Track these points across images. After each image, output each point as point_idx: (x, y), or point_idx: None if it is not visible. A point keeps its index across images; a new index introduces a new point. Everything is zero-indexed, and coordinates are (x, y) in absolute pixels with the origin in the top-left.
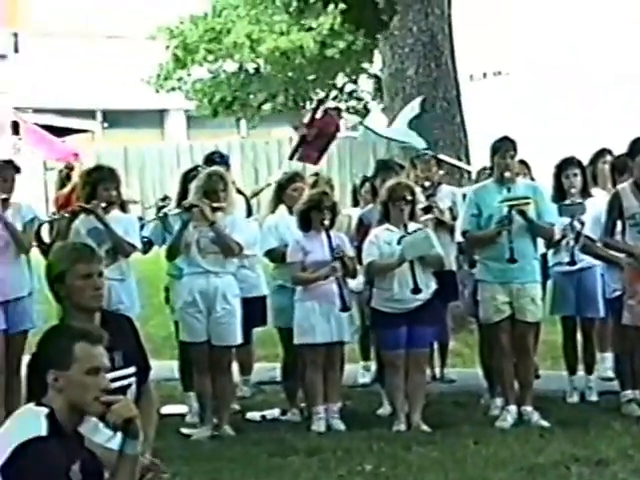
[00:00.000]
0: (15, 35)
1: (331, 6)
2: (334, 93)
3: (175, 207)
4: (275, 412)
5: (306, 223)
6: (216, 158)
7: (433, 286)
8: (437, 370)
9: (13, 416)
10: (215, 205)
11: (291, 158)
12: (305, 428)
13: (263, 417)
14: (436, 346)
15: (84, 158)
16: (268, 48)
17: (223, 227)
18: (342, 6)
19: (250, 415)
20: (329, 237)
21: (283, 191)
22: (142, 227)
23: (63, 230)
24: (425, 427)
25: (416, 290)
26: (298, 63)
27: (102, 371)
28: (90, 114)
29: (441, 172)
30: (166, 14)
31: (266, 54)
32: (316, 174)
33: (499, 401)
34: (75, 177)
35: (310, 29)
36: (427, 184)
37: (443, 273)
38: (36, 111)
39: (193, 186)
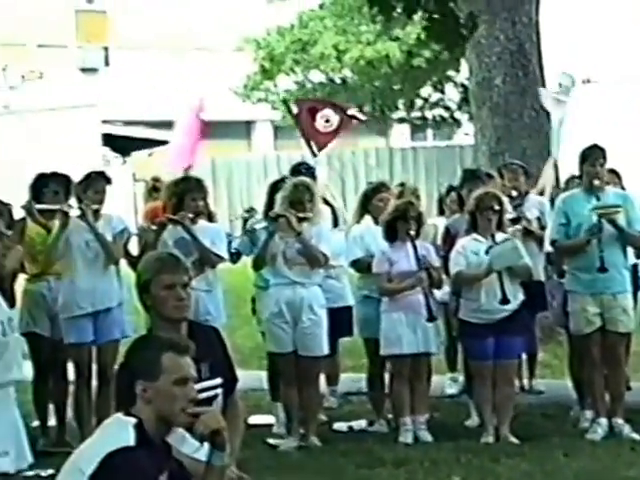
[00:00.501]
0: (105, 49)
1: (417, 15)
2: (419, 102)
3: (262, 218)
4: (362, 423)
5: (392, 233)
6: (302, 169)
7: (521, 297)
8: (525, 381)
9: (102, 426)
10: (301, 215)
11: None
12: (392, 439)
13: (350, 428)
14: (524, 357)
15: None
16: (353, 57)
17: (309, 237)
18: (424, 22)
19: (337, 426)
20: (415, 247)
21: (369, 201)
22: (230, 242)
23: (151, 242)
24: (513, 439)
25: (504, 301)
26: (384, 73)
27: (190, 382)
28: None
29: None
30: (253, 26)
31: (352, 64)
32: (402, 184)
33: (589, 413)
34: (162, 188)
35: (396, 39)
36: (514, 194)
37: (531, 283)
38: (126, 123)
39: (279, 196)
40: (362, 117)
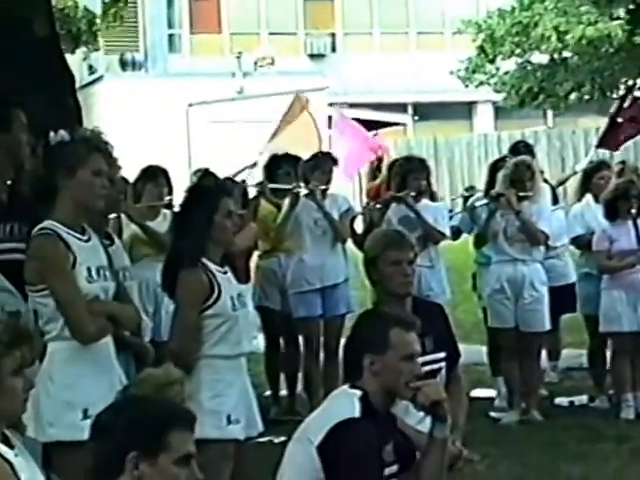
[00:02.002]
0: (332, 35)
1: None
2: None
3: (482, 197)
4: (583, 398)
5: (613, 212)
6: (521, 148)
7: None
8: None
9: (329, 397)
10: (521, 194)
11: (598, 146)
12: (614, 415)
13: (571, 403)
14: None
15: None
16: (575, 37)
17: (529, 215)
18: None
19: (558, 401)
20: (636, 226)
21: (589, 180)
22: (451, 218)
23: (376, 220)
24: None
25: None
26: (605, 52)
27: (415, 357)
28: (402, 107)
29: None
30: (473, 9)
31: (573, 44)
32: (622, 162)
33: None
34: (384, 169)
35: (618, 18)
36: None
37: None
38: (351, 106)
39: (500, 175)
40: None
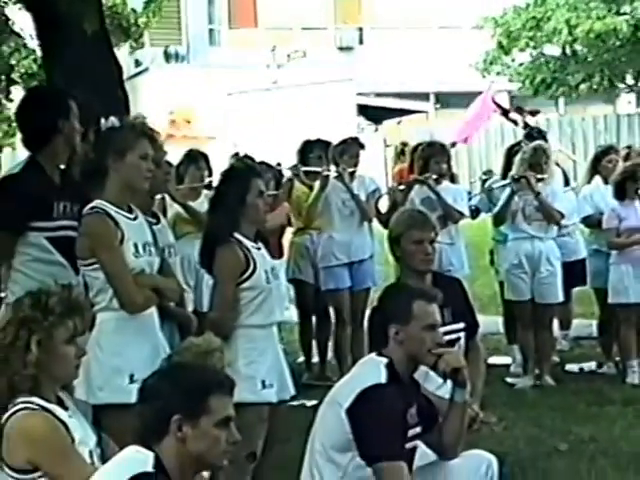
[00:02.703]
0: (360, 29)
1: None
2: None
3: (500, 179)
4: (592, 365)
5: (621, 192)
6: (534, 133)
7: None
8: None
9: (358, 364)
10: (539, 176)
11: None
12: (620, 380)
13: (581, 369)
14: None
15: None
16: (584, 31)
17: (545, 196)
18: None
19: (569, 367)
20: None
21: (598, 163)
22: (470, 199)
23: (400, 200)
24: None
25: None
26: (612, 45)
27: (437, 327)
28: (424, 96)
29: None
30: (491, 5)
31: (582, 37)
32: (629, 147)
33: None
34: (407, 153)
35: (624, 13)
36: None
37: None
38: (377, 95)
39: (518, 159)
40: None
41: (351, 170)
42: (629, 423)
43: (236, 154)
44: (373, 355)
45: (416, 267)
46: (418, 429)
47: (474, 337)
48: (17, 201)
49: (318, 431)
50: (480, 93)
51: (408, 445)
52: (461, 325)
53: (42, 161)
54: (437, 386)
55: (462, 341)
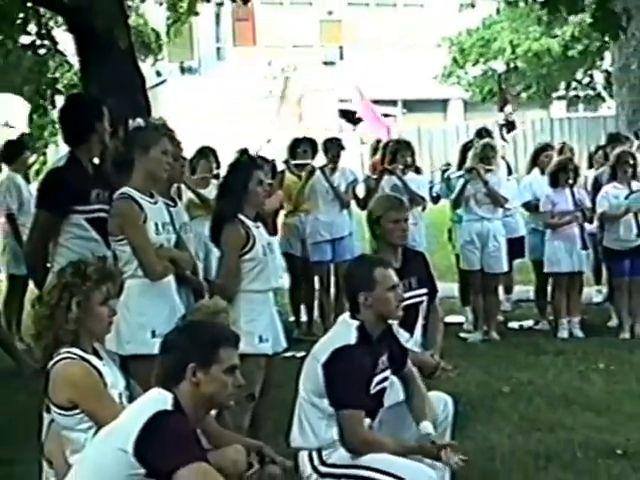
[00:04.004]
0: (340, 47)
1: (571, 17)
2: (574, 84)
3: (456, 170)
4: (530, 322)
5: (555, 181)
6: (483, 132)
7: None
8: None
9: (335, 324)
10: (487, 168)
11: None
12: (552, 335)
13: (521, 326)
14: None
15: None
16: (524, 50)
17: (492, 184)
18: (588, 20)
19: (511, 324)
20: (572, 192)
21: (537, 157)
22: (432, 187)
23: (373, 187)
24: None
25: (639, 233)
26: (547, 62)
27: (397, 287)
28: (394, 103)
29: None
30: (448, 28)
31: (522, 55)
32: (563, 143)
33: None
34: (380, 148)
35: (555, 36)
36: None
37: None
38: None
39: (471, 154)
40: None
41: (331, 166)
42: (559, 370)
43: (241, 150)
44: (346, 317)
45: (394, 242)
46: (388, 372)
47: (434, 300)
48: (62, 189)
49: (303, 380)
50: (440, 100)
51: (377, 388)
52: (424, 290)
53: (80, 156)
54: (405, 340)
55: (424, 304)
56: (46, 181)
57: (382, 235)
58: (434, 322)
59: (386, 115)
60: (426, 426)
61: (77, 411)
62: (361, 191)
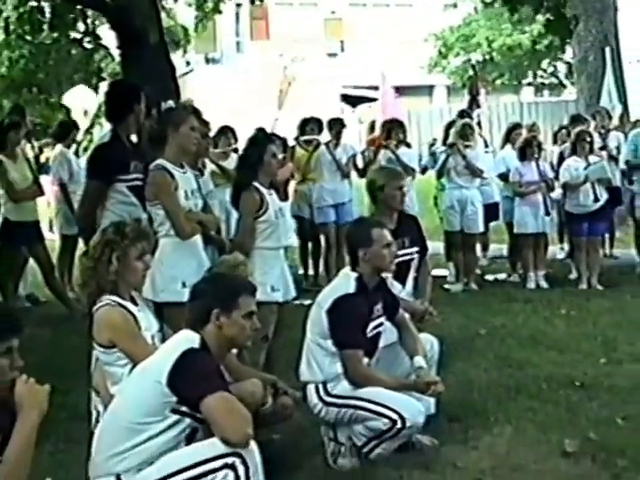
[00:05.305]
0: (342, 41)
1: (539, 16)
2: (540, 73)
3: (441, 146)
4: (503, 275)
5: (523, 155)
6: (464, 114)
7: (605, 197)
8: (607, 250)
9: (337, 276)
10: (467, 144)
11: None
12: (522, 286)
13: (495, 279)
14: (607, 235)
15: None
16: (498, 44)
17: (471, 158)
18: (545, 22)
19: (487, 277)
20: (538, 165)
21: (509, 135)
22: (420, 160)
23: (371, 159)
24: (599, 287)
25: (595, 199)
26: (517, 54)
27: (391, 245)
28: None
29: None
30: (434, 25)
31: (497, 48)
32: (533, 124)
33: None
34: (377, 126)
35: (525, 32)
36: (602, 131)
37: (612, 188)
38: (355, 87)
39: (452, 132)
40: None
41: (335, 142)
42: (528, 315)
43: (258, 128)
44: (347, 270)
45: (396, 206)
46: (383, 318)
47: (424, 257)
48: (107, 162)
49: (309, 324)
50: (427, 86)
51: (374, 332)
52: (415, 249)
53: (120, 132)
54: (399, 290)
55: (416, 261)
56: (94, 156)
57: (384, 200)
58: (424, 275)
59: (374, 100)
60: (419, 360)
61: (115, 349)
62: (360, 162)
